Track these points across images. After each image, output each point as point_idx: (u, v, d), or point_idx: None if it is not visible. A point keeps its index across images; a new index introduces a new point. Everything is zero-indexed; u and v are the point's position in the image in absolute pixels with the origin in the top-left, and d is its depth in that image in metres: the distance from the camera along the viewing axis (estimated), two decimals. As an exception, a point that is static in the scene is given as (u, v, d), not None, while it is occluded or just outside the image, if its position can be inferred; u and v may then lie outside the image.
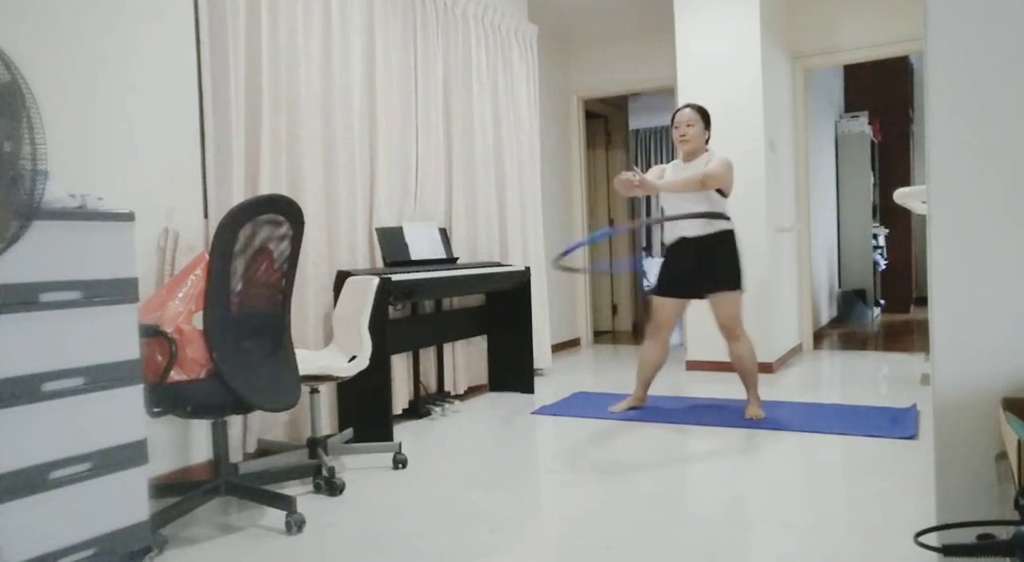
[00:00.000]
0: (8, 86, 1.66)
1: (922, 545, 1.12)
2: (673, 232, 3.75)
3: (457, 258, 4.16)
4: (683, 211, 3.64)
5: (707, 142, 3.74)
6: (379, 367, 3.34)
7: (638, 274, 7.66)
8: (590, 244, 3.54)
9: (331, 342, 3.35)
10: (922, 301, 8.65)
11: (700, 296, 3.71)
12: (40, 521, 1.81)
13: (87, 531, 1.91)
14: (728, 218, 3.65)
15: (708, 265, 3.64)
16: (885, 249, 8.46)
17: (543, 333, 5.07)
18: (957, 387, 1.59)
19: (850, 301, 7.93)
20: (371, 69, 3.84)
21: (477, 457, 3.18)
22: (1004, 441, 1.41)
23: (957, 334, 1.58)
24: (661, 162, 11.66)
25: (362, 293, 3.05)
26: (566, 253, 3.47)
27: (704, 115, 3.71)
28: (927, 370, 4.67)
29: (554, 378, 5.00)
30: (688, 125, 3.67)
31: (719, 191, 3.60)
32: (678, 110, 3.75)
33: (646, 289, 8.52)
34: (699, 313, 4.90)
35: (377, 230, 3.75)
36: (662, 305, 3.78)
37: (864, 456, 2.99)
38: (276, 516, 2.51)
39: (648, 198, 11.85)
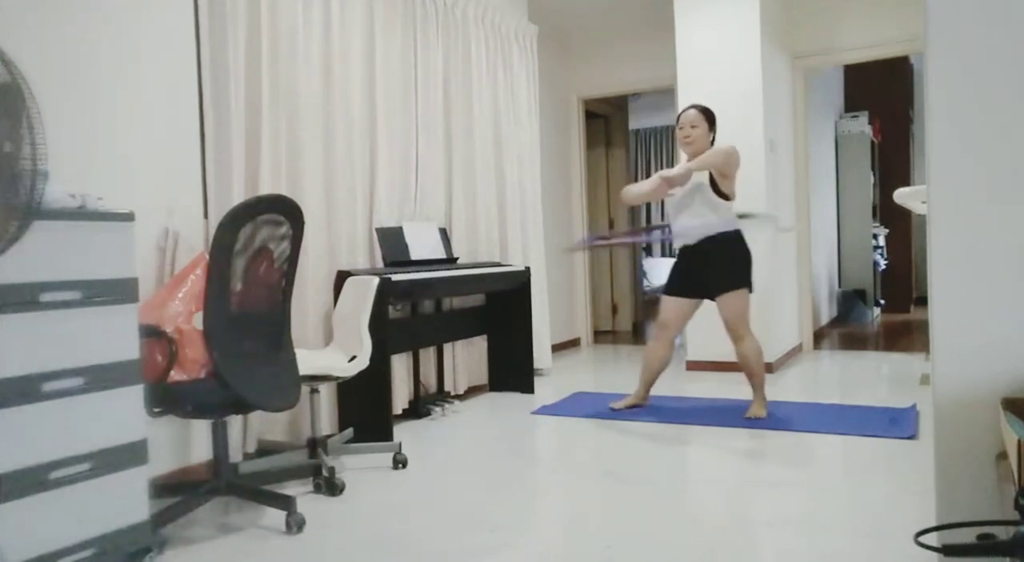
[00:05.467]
0: (8, 86, 1.66)
1: (922, 545, 1.12)
2: (678, 240, 3.77)
3: (457, 258, 4.16)
4: (683, 217, 3.67)
5: (712, 143, 3.75)
6: (379, 367, 3.34)
7: (638, 274, 7.66)
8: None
9: (331, 342, 3.35)
10: (922, 301, 8.65)
11: (708, 297, 3.72)
12: (40, 521, 1.81)
13: (87, 531, 1.91)
14: (733, 225, 3.66)
15: (711, 268, 3.66)
16: (885, 249, 8.46)
17: (543, 333, 5.07)
18: (957, 387, 1.58)
19: (850, 301, 7.93)
20: (371, 69, 3.84)
21: (477, 457, 3.17)
22: (1004, 441, 1.41)
23: (957, 334, 1.58)
24: (661, 162, 11.65)
25: (362, 293, 3.05)
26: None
27: (708, 116, 3.72)
28: (927, 370, 4.67)
29: (554, 378, 5.00)
30: (692, 126, 3.68)
31: (722, 195, 3.60)
32: (683, 111, 3.76)
33: (646, 289, 8.52)
34: (699, 313, 4.89)
35: (377, 230, 3.75)
36: (669, 304, 3.78)
37: (864, 456, 2.99)
38: (276, 516, 2.50)
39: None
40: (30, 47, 2.43)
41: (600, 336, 7.08)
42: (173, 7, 2.90)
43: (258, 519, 2.51)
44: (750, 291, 3.67)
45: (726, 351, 4.74)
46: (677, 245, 3.81)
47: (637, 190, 3.71)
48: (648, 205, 11.85)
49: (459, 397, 4.38)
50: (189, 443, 2.93)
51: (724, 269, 3.64)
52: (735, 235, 3.65)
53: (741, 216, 3.79)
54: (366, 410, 3.44)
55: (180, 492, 2.49)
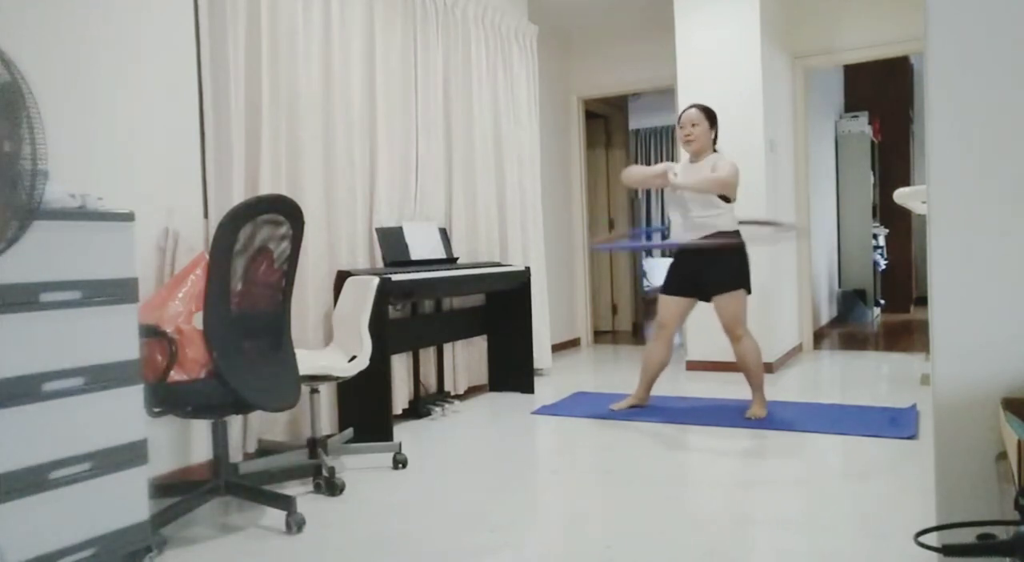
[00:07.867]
0: (8, 86, 1.66)
1: (922, 545, 1.12)
2: (676, 239, 3.77)
3: (457, 258, 4.16)
4: (686, 218, 3.67)
5: (715, 142, 3.76)
6: (379, 367, 3.34)
7: (638, 274, 7.66)
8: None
9: (331, 342, 3.35)
10: (922, 301, 8.65)
11: (704, 298, 3.73)
12: (40, 521, 1.81)
13: (87, 531, 1.91)
14: (731, 225, 3.66)
15: (709, 268, 3.66)
16: (885, 249, 8.46)
17: (543, 333, 5.07)
18: (957, 387, 1.58)
19: (850, 301, 7.92)
20: (371, 69, 3.84)
21: (477, 457, 3.17)
22: (1004, 441, 1.41)
23: (957, 334, 1.58)
24: (662, 161, 11.66)
25: (362, 293, 3.05)
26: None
27: (709, 115, 3.74)
28: (927, 370, 4.67)
29: (554, 378, 5.00)
30: (693, 125, 3.70)
31: (723, 197, 3.61)
32: (684, 110, 3.77)
33: (646, 289, 8.52)
34: (699, 313, 4.90)
35: (377, 230, 3.75)
36: (666, 303, 3.79)
37: (864, 456, 2.99)
38: (276, 516, 2.50)
39: (648, 198, 11.85)
40: (30, 47, 2.43)
41: (600, 336, 7.08)
42: (173, 7, 2.90)
43: (258, 519, 2.51)
44: (748, 292, 3.68)
45: (726, 351, 4.74)
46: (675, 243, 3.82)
47: (640, 174, 3.72)
48: (648, 200, 11.86)
49: (459, 397, 4.38)
50: (189, 443, 2.93)
51: (721, 270, 3.65)
52: (733, 236, 3.66)
53: (747, 223, 3.82)
54: (366, 410, 3.44)
55: (180, 492, 2.49)
